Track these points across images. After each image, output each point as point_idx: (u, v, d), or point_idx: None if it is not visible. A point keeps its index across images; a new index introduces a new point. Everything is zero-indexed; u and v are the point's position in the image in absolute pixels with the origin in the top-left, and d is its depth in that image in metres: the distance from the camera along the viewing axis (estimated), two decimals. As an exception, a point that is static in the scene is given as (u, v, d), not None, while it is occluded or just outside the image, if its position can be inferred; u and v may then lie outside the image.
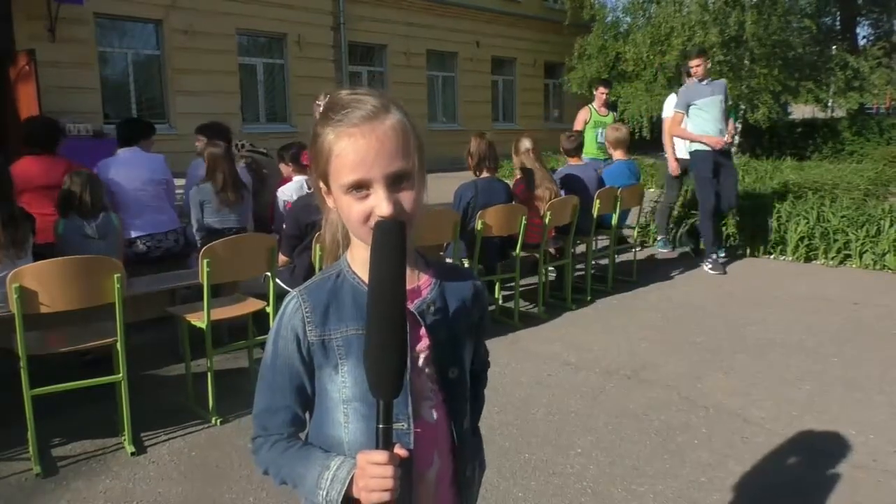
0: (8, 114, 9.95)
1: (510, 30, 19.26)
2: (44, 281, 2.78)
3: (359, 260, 1.08)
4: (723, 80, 6.43)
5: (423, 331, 1.08)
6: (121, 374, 2.97)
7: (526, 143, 5.14)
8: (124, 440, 3.03)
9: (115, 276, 2.89)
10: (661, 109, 17.10)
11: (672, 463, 2.88)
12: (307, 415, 1.14)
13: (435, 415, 1.10)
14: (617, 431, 3.17)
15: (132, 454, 2.96)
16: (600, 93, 7.70)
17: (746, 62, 15.19)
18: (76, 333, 3.08)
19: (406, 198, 1.01)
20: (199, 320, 3.30)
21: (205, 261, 3.20)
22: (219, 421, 3.26)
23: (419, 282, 1.12)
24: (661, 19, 15.36)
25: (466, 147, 4.90)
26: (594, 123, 7.59)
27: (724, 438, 3.09)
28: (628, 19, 17.06)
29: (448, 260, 4.82)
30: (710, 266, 6.16)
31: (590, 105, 7.97)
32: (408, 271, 1.05)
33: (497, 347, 4.28)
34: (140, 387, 3.43)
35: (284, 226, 3.95)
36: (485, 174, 4.81)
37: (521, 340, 4.45)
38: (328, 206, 1.10)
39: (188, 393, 3.44)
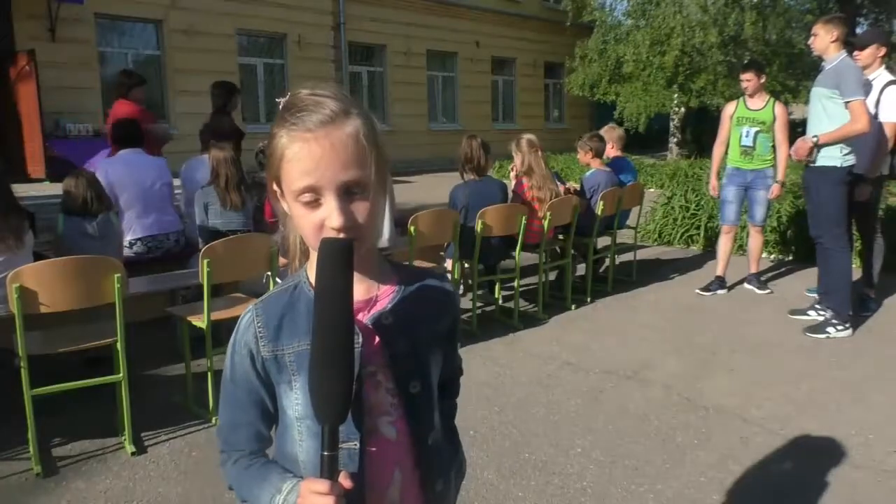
0: (8, 114, 9.97)
1: (510, 30, 19.27)
2: (44, 281, 2.78)
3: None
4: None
5: (379, 343, 1.03)
6: (121, 374, 2.98)
7: (527, 141, 5.10)
8: (124, 440, 3.03)
9: (115, 276, 2.89)
10: (659, 108, 17.07)
11: (672, 463, 2.88)
12: (274, 429, 1.11)
13: (395, 430, 1.05)
14: (617, 431, 3.17)
15: (132, 454, 2.96)
16: (746, 79, 5.37)
17: (746, 61, 15.18)
18: (76, 333, 3.08)
19: (360, 209, 0.95)
20: (199, 320, 3.30)
21: (205, 261, 3.20)
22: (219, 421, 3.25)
23: (379, 291, 1.06)
24: (660, 20, 15.38)
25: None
26: (739, 120, 5.43)
27: (724, 438, 3.09)
28: (628, 21, 17.08)
29: (448, 261, 4.83)
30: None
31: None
32: (366, 281, 1.04)
33: (497, 347, 4.28)
34: (140, 387, 3.43)
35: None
36: (472, 176, 4.77)
37: (521, 340, 4.45)
38: (284, 211, 1.04)
39: (188, 393, 3.44)
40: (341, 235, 0.93)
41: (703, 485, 2.71)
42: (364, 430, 1.02)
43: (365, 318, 1.03)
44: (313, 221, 0.95)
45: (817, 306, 4.75)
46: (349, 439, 0.99)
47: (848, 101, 4.20)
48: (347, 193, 0.94)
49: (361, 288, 1.02)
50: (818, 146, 4.39)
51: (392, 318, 1.04)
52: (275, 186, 1.01)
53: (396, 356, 1.04)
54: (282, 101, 1.00)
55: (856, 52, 4.57)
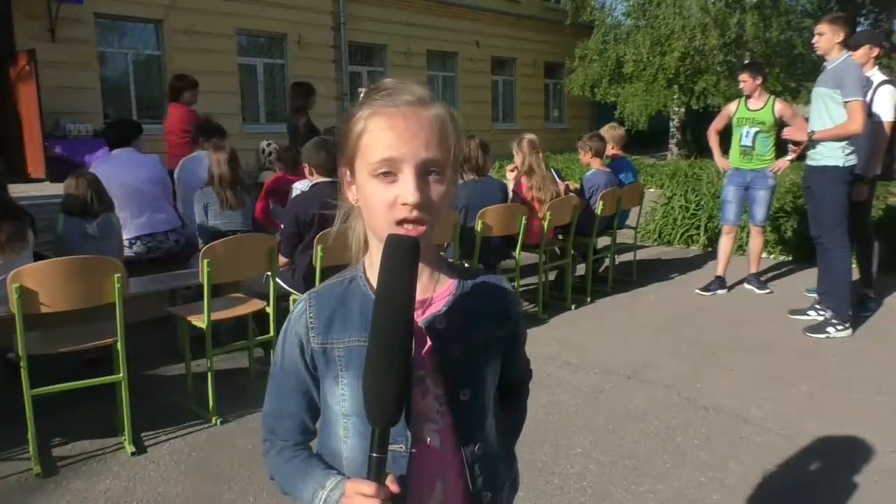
0: (8, 114, 9.97)
1: (510, 30, 19.26)
2: (44, 281, 2.78)
3: (374, 266, 0.98)
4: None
5: (431, 348, 0.99)
6: (121, 374, 2.98)
7: (528, 141, 5.10)
8: (124, 440, 3.03)
9: (116, 276, 2.89)
10: (660, 109, 17.07)
11: (672, 463, 2.88)
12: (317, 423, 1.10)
13: (440, 439, 1.01)
14: (617, 431, 3.17)
15: (132, 454, 2.96)
16: (742, 80, 5.37)
17: (745, 62, 15.18)
18: (76, 333, 3.08)
19: (435, 190, 0.94)
20: (199, 320, 3.30)
21: (205, 261, 3.20)
22: (219, 421, 3.26)
23: (434, 292, 1.03)
24: (661, 21, 15.38)
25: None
26: (739, 120, 5.41)
27: (724, 438, 3.09)
28: (628, 21, 17.08)
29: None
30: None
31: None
32: (423, 279, 1.00)
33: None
34: (140, 387, 3.42)
35: (283, 225, 3.95)
36: (471, 176, 4.77)
37: (521, 340, 4.44)
38: (350, 201, 1.02)
39: (188, 393, 3.44)
40: (413, 213, 0.91)
41: (703, 485, 2.71)
42: (411, 435, 0.99)
43: (419, 319, 0.99)
44: (386, 198, 0.93)
45: (817, 306, 4.75)
46: (395, 441, 0.95)
47: (847, 101, 4.21)
48: (425, 172, 0.93)
49: (417, 287, 0.98)
50: (812, 140, 4.46)
51: (446, 321, 1.00)
52: (346, 171, 1.00)
53: (448, 362, 1.00)
54: (363, 90, 1.01)
55: (849, 53, 4.59)
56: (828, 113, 4.35)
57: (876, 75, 4.67)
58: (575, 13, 17.67)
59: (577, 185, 5.75)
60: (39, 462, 2.82)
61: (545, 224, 4.83)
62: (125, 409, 3.00)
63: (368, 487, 0.87)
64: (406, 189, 0.91)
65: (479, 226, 4.44)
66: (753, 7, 14.81)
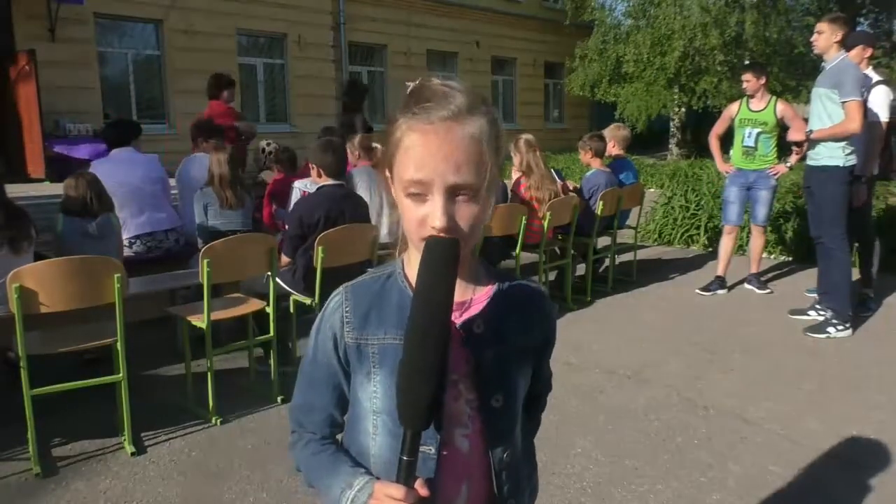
0: (8, 114, 9.97)
1: (510, 30, 19.27)
2: (44, 281, 2.78)
3: (412, 264, 0.99)
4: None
5: (467, 351, 0.98)
6: (121, 374, 2.98)
7: (525, 141, 5.11)
8: (124, 440, 3.03)
9: (115, 276, 2.89)
10: (660, 110, 17.06)
11: (672, 463, 2.88)
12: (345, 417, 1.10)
13: (468, 444, 1.00)
14: (617, 431, 3.17)
15: (132, 454, 2.96)
16: (745, 80, 5.39)
17: (746, 62, 15.18)
18: (76, 333, 3.08)
19: (465, 213, 0.91)
20: (199, 320, 3.30)
21: (205, 261, 3.20)
22: (219, 421, 3.26)
23: (473, 295, 1.01)
24: (661, 21, 15.37)
25: None
26: (742, 121, 5.41)
27: (724, 438, 3.09)
28: (628, 21, 17.08)
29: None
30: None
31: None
32: (461, 283, 0.98)
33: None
34: (140, 387, 3.42)
35: (287, 226, 3.95)
36: None
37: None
38: (394, 196, 1.01)
39: (188, 393, 3.44)
40: (442, 236, 0.90)
41: (703, 485, 2.71)
42: (441, 438, 0.97)
43: (456, 321, 0.98)
44: (417, 216, 0.92)
45: (817, 306, 4.75)
46: (425, 443, 0.94)
47: (845, 101, 4.21)
48: (455, 194, 0.91)
49: (456, 290, 0.97)
50: (809, 139, 4.46)
51: (483, 325, 0.99)
52: (387, 172, 0.99)
53: (482, 367, 0.99)
54: (411, 84, 0.96)
55: (846, 53, 4.59)
56: (826, 113, 4.35)
57: (870, 75, 4.67)
58: (575, 13, 17.68)
59: (577, 185, 5.75)
60: (39, 462, 2.82)
61: (545, 224, 4.83)
62: (125, 409, 3.00)
63: (398, 491, 0.87)
64: (434, 212, 0.90)
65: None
66: (753, 6, 14.81)
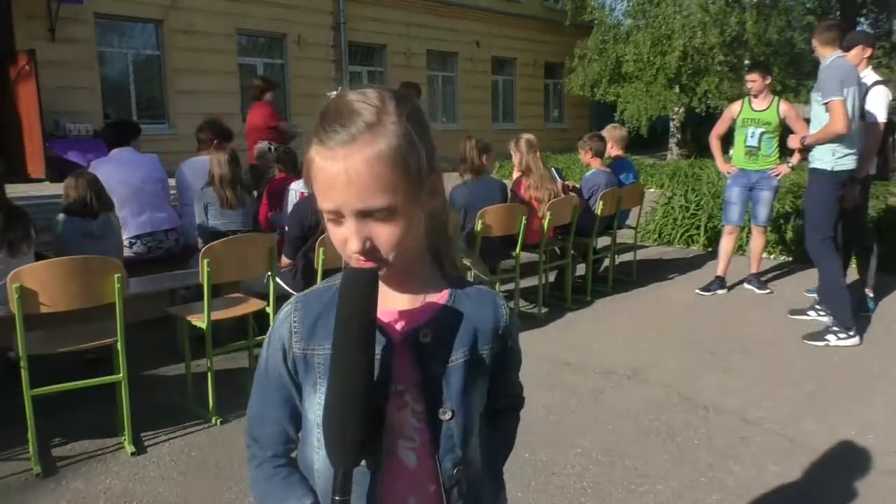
0: (8, 114, 9.97)
1: (510, 30, 19.27)
2: (44, 281, 2.78)
3: None
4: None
5: (412, 362, 0.94)
6: (121, 374, 2.98)
7: (526, 141, 5.11)
8: (124, 440, 3.03)
9: (116, 276, 2.89)
10: (660, 109, 17.06)
11: (672, 463, 2.88)
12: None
13: (415, 458, 0.96)
14: (617, 431, 3.17)
15: (132, 454, 2.96)
16: (751, 80, 5.37)
17: (747, 62, 15.18)
18: (76, 333, 3.08)
19: (382, 233, 0.87)
20: (199, 320, 3.30)
21: (205, 261, 3.20)
22: (219, 421, 3.26)
23: (422, 303, 0.98)
24: (661, 20, 15.38)
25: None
26: (744, 121, 5.39)
27: (724, 438, 3.09)
28: (628, 21, 17.08)
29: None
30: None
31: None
32: (411, 289, 0.97)
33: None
34: (140, 387, 3.42)
35: (287, 227, 3.95)
36: (469, 176, 4.78)
37: (521, 340, 4.43)
38: None
39: (188, 393, 3.44)
40: (363, 260, 0.88)
41: (703, 485, 2.71)
42: (381, 450, 0.94)
43: (402, 330, 0.95)
44: (338, 239, 0.90)
45: (817, 306, 4.74)
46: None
47: (826, 102, 4.16)
48: (368, 217, 0.87)
49: (404, 297, 0.97)
50: (803, 146, 4.48)
51: (431, 335, 0.95)
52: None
53: (430, 378, 0.95)
54: (332, 94, 0.93)
55: (841, 54, 4.57)
56: (817, 117, 4.34)
57: (869, 76, 4.65)
58: (575, 13, 17.68)
59: (577, 185, 5.75)
60: (39, 462, 2.82)
61: (545, 224, 4.83)
62: (125, 409, 3.00)
63: None
64: (349, 237, 0.87)
65: (479, 226, 4.44)
66: (753, 6, 14.81)
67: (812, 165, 4.41)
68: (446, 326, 0.97)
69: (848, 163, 4.31)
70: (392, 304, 0.94)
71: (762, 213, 5.40)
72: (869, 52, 4.70)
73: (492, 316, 1.02)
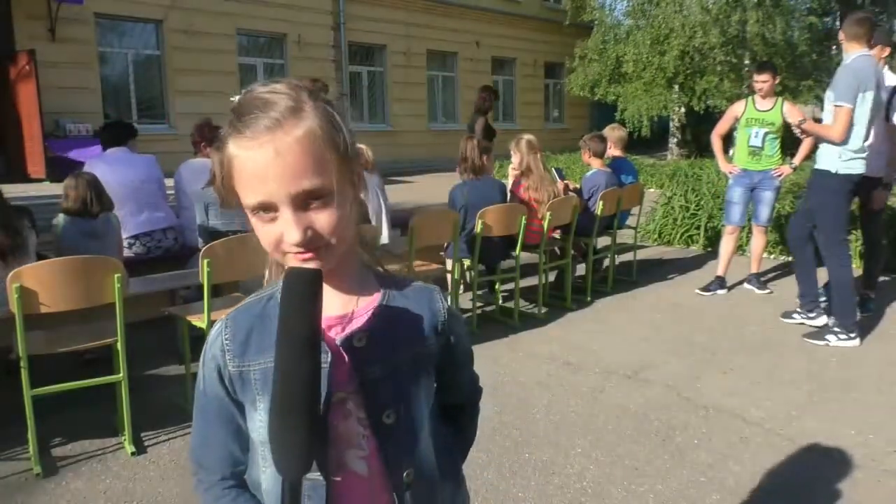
0: (8, 114, 9.97)
1: (510, 30, 19.28)
2: (44, 281, 2.78)
3: None
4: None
5: (350, 367, 0.91)
6: (121, 374, 2.97)
7: (527, 142, 5.12)
8: (124, 440, 3.03)
9: (116, 276, 2.89)
10: (660, 109, 17.06)
11: (672, 463, 2.88)
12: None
13: (366, 465, 0.93)
14: (617, 431, 3.17)
15: (132, 454, 2.96)
16: (762, 80, 5.21)
17: (747, 62, 15.18)
18: (76, 333, 3.08)
19: (322, 221, 0.84)
20: (199, 320, 3.30)
21: (205, 261, 3.20)
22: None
23: (356, 306, 0.94)
24: (660, 20, 15.39)
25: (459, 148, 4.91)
26: (748, 121, 5.32)
27: (724, 438, 3.09)
28: (628, 21, 17.09)
29: (448, 262, 4.83)
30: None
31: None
32: (342, 294, 0.94)
33: (497, 347, 4.28)
34: (140, 387, 3.43)
35: None
36: (469, 176, 4.79)
37: (521, 340, 4.44)
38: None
39: (188, 393, 3.44)
40: (301, 251, 0.84)
41: (703, 485, 2.71)
42: (330, 463, 0.91)
43: (337, 337, 0.92)
44: (271, 237, 0.85)
45: (798, 310, 4.72)
46: (312, 469, 0.87)
47: (836, 105, 4.11)
48: (305, 204, 0.83)
49: (336, 302, 0.93)
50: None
51: (366, 338, 0.92)
52: (231, 195, 0.90)
53: (368, 382, 0.92)
54: (236, 97, 0.88)
55: (864, 52, 4.48)
56: (828, 115, 4.30)
57: (888, 76, 4.53)
58: (575, 13, 17.69)
59: (577, 185, 5.75)
60: (39, 462, 2.82)
61: (545, 224, 4.84)
62: (125, 409, 3.00)
63: None
64: (287, 229, 0.83)
65: (478, 226, 4.45)
66: (755, 6, 14.81)
67: (816, 165, 4.36)
68: (381, 328, 0.94)
69: (856, 166, 4.19)
70: (325, 308, 0.87)
71: (764, 213, 5.38)
72: (887, 51, 4.62)
73: (428, 312, 0.99)
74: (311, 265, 0.84)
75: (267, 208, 0.83)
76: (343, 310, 0.94)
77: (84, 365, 3.70)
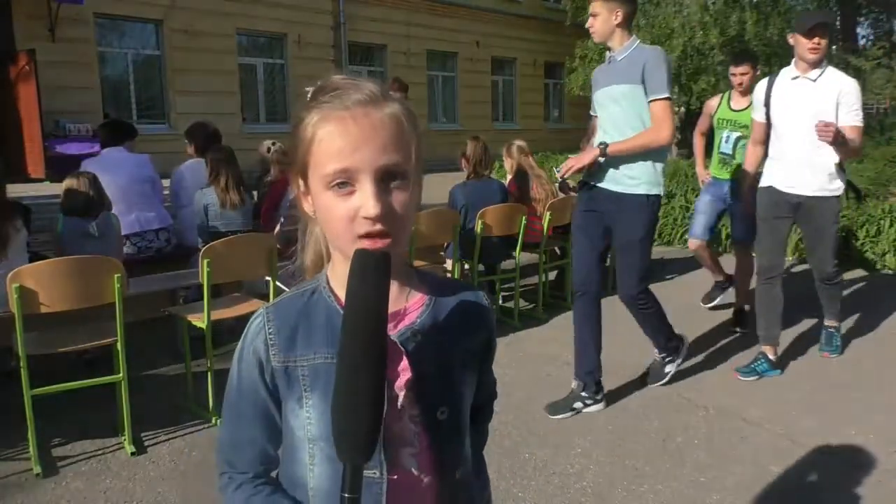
0: (8, 114, 9.97)
1: (510, 30, 19.26)
2: (44, 281, 2.78)
3: (339, 276, 0.91)
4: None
5: (405, 364, 0.90)
6: (121, 374, 2.98)
7: (517, 147, 5.23)
8: (124, 440, 3.03)
9: (116, 276, 2.89)
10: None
11: (672, 463, 2.88)
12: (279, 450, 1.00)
13: (418, 463, 0.92)
14: (617, 431, 3.17)
15: (132, 454, 2.96)
16: (741, 73, 4.55)
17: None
18: (76, 333, 3.08)
19: (398, 199, 0.85)
20: (199, 320, 3.30)
21: (205, 261, 3.20)
22: (219, 421, 3.25)
23: (407, 303, 0.94)
24: (660, 20, 15.39)
25: (461, 148, 4.95)
26: (720, 122, 4.71)
27: (724, 438, 3.09)
28: None
29: (447, 262, 4.83)
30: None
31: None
32: (394, 291, 0.91)
33: (497, 347, 4.27)
34: (140, 387, 3.43)
35: (283, 219, 3.95)
36: (470, 175, 4.84)
37: (521, 340, 4.44)
38: (307, 212, 0.93)
39: (188, 393, 3.44)
40: (377, 227, 0.83)
41: (703, 485, 2.71)
42: (386, 460, 0.90)
43: (391, 333, 0.90)
44: (345, 212, 0.84)
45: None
46: (369, 467, 0.87)
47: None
48: (385, 181, 0.84)
49: (391, 294, 0.90)
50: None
51: (421, 335, 0.92)
52: (300, 181, 0.91)
53: (424, 379, 0.91)
54: (312, 89, 0.90)
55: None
56: None
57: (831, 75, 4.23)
58: (575, 13, 17.66)
59: (577, 186, 5.76)
60: (39, 462, 2.82)
61: (545, 224, 4.84)
62: (125, 409, 3.00)
63: None
64: (366, 201, 0.82)
65: (478, 226, 4.45)
66: (753, 6, 14.82)
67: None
68: (434, 325, 0.94)
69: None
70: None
71: (739, 229, 4.56)
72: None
73: (474, 308, 1.01)
74: (382, 245, 0.84)
75: (347, 180, 0.84)
76: (395, 306, 0.92)
77: (84, 365, 3.70)
